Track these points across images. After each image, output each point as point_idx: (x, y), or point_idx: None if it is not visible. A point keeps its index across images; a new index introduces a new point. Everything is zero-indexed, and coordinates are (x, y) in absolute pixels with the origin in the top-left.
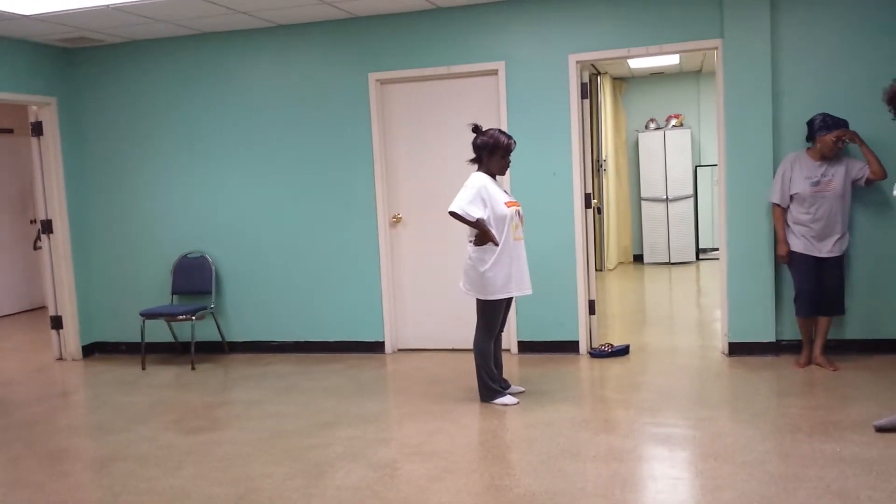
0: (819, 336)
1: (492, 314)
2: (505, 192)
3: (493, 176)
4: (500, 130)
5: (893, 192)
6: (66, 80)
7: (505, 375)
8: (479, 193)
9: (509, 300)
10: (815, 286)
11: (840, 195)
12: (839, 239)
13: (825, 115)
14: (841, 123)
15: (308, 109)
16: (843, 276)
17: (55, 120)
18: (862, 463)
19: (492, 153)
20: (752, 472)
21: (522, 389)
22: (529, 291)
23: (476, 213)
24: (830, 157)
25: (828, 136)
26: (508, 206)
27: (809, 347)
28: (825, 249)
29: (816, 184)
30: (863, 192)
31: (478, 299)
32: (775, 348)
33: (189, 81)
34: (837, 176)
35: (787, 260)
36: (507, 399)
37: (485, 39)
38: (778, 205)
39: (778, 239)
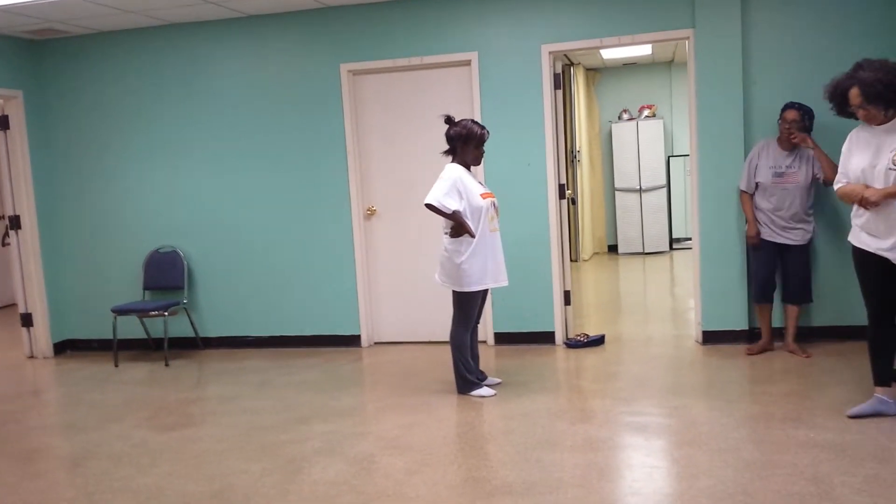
0: (790, 324)
1: (468, 306)
2: (480, 183)
3: (467, 167)
4: (472, 120)
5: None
6: (32, 73)
7: (482, 367)
8: (455, 185)
9: (485, 292)
10: (770, 272)
11: (804, 187)
12: (802, 227)
13: (792, 102)
14: (804, 108)
15: (279, 101)
16: (809, 264)
17: (22, 113)
18: (835, 448)
19: (465, 143)
20: (726, 458)
21: (499, 381)
22: (506, 283)
23: (452, 204)
24: (786, 142)
25: (785, 113)
26: (484, 198)
27: (769, 335)
28: (787, 237)
29: (780, 175)
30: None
31: (454, 291)
32: (748, 336)
33: (159, 73)
34: (803, 169)
35: (756, 241)
36: (484, 391)
37: (457, 30)
38: (745, 191)
39: (748, 220)
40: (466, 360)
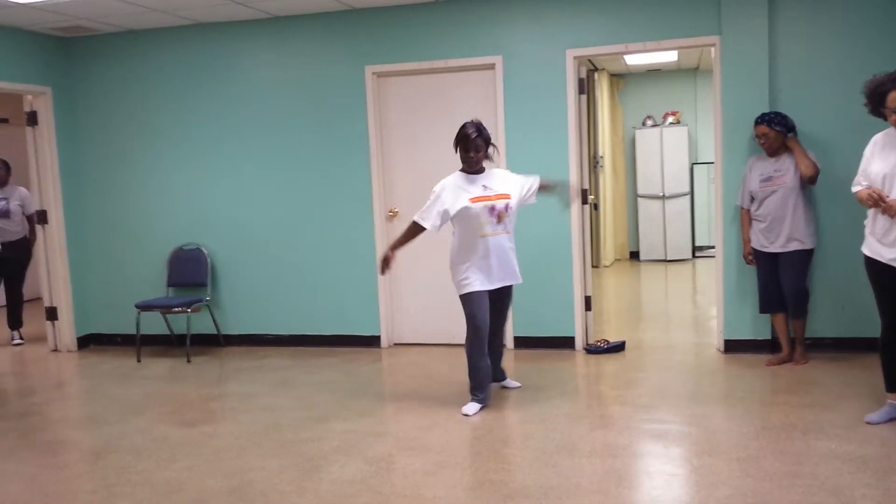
0: (795, 335)
1: (467, 310)
2: (484, 186)
3: (466, 172)
4: (471, 121)
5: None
6: (61, 70)
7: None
8: (436, 199)
9: (498, 296)
10: (769, 282)
11: (792, 189)
12: (793, 234)
13: (761, 116)
14: (772, 119)
15: (304, 102)
16: (801, 275)
17: (50, 110)
18: (857, 460)
19: (457, 148)
20: (746, 468)
21: (518, 385)
22: (492, 286)
23: (427, 222)
24: (767, 150)
25: (755, 129)
26: (474, 202)
27: (788, 347)
28: (777, 244)
29: (767, 179)
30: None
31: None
32: (771, 346)
33: (185, 72)
34: (790, 171)
35: (749, 260)
36: (469, 408)
37: (482, 33)
38: (742, 207)
39: (743, 240)
40: (474, 367)
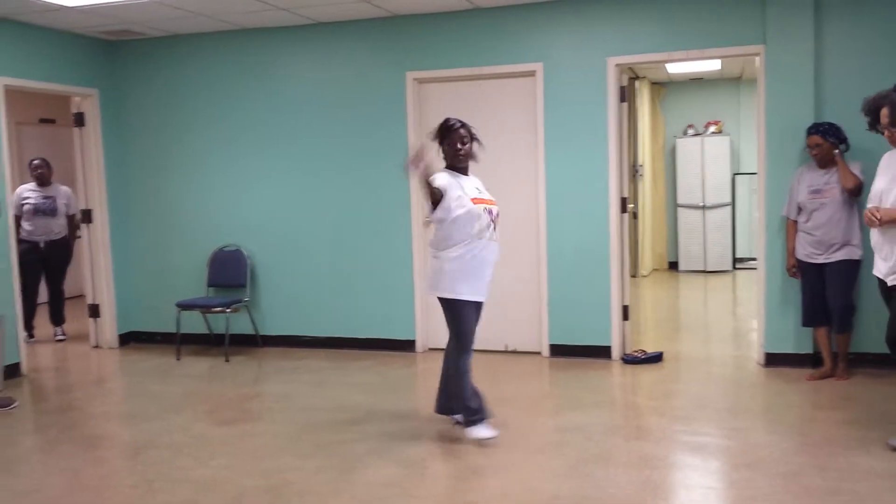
0: (838, 351)
1: (459, 320)
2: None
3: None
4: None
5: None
6: (108, 72)
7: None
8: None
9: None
10: (814, 295)
11: (842, 201)
12: (841, 246)
13: (815, 126)
14: (826, 130)
15: (345, 107)
16: (848, 290)
17: (97, 111)
18: None
19: (441, 143)
20: (786, 484)
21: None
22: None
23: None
24: (818, 161)
25: (808, 139)
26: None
27: (830, 361)
28: (825, 255)
29: (817, 191)
30: None
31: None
32: (812, 360)
33: (229, 76)
34: (840, 184)
35: (793, 273)
36: (486, 431)
37: (523, 40)
38: (789, 218)
39: (787, 251)
40: (464, 387)
